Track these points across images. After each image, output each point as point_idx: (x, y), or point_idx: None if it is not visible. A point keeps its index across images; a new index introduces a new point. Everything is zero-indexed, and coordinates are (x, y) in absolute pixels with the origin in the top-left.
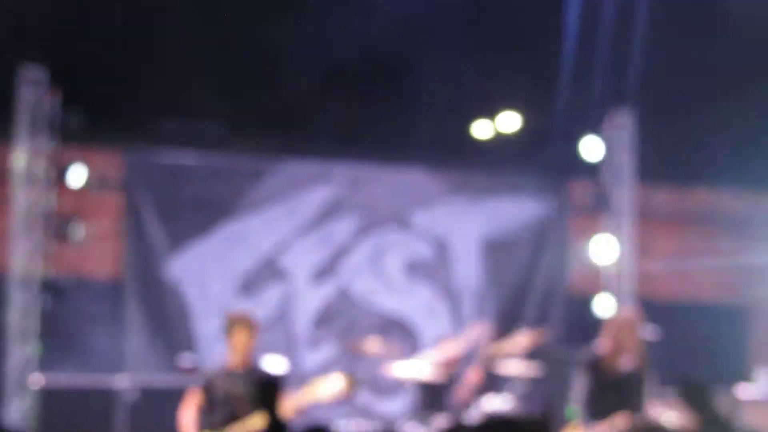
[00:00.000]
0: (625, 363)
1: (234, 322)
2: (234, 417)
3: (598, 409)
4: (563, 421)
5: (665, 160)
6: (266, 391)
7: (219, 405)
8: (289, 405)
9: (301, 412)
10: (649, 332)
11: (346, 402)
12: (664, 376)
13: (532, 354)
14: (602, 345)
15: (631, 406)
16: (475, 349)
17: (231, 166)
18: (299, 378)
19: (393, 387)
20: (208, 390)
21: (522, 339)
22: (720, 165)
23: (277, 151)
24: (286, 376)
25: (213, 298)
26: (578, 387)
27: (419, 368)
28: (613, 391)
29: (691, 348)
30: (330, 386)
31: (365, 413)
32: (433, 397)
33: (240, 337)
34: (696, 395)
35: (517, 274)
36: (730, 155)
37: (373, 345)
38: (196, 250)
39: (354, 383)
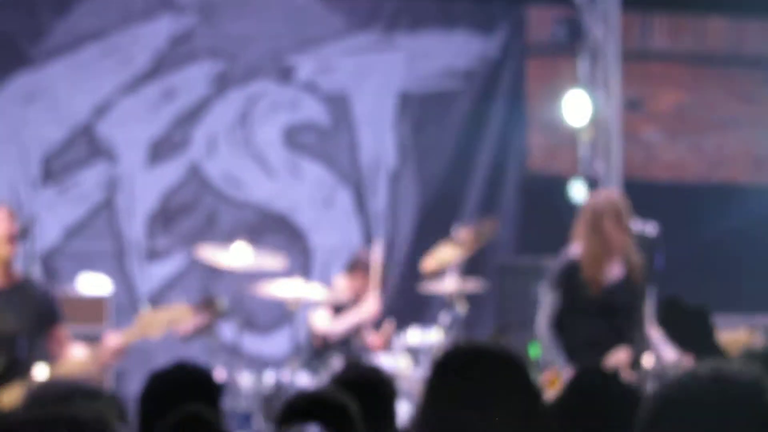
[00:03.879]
0: (612, 270)
1: None
2: None
3: (576, 341)
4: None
5: None
6: (43, 320)
7: None
8: (98, 353)
9: (115, 357)
10: (647, 226)
11: (206, 336)
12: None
13: (474, 264)
14: (577, 246)
15: (624, 334)
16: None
17: None
18: (132, 304)
19: (273, 317)
20: None
21: (459, 242)
22: None
23: None
24: (109, 299)
25: (1, 185)
26: (545, 310)
27: (311, 288)
28: (596, 313)
29: (707, 253)
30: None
31: (233, 353)
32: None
33: None
34: (689, 322)
35: (451, 145)
36: None
37: (241, 253)
38: None
39: (218, 309)
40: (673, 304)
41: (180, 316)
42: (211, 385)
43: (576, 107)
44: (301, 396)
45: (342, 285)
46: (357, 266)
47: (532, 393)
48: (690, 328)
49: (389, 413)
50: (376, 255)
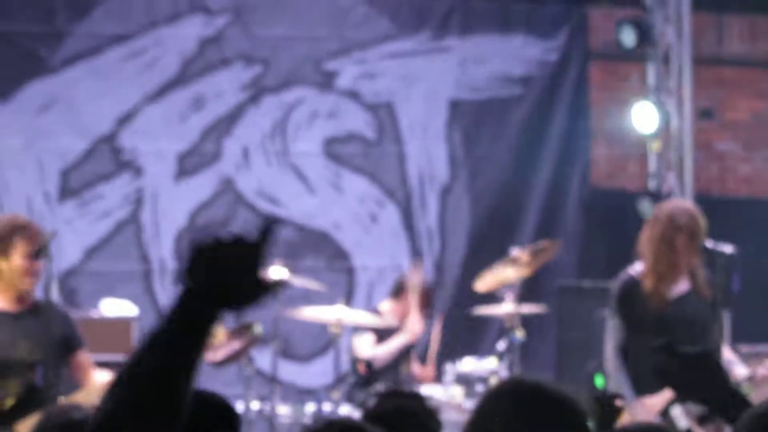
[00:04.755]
0: (677, 286)
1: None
2: (9, 392)
3: (641, 368)
4: (591, 395)
5: None
6: (64, 347)
7: None
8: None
9: None
10: (722, 245)
11: (240, 363)
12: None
13: (533, 287)
14: (641, 262)
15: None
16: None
17: None
18: None
19: (312, 343)
20: None
21: (516, 263)
22: None
23: None
24: (134, 323)
25: (17, 202)
26: (612, 338)
27: (354, 314)
28: (661, 331)
29: None
30: None
31: (269, 383)
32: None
33: (12, 259)
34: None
35: (507, 156)
36: None
37: (278, 273)
38: None
39: (253, 335)
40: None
41: (213, 337)
42: (230, 413)
43: (645, 117)
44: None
45: (388, 310)
46: (403, 290)
47: None
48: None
49: None
50: (416, 275)
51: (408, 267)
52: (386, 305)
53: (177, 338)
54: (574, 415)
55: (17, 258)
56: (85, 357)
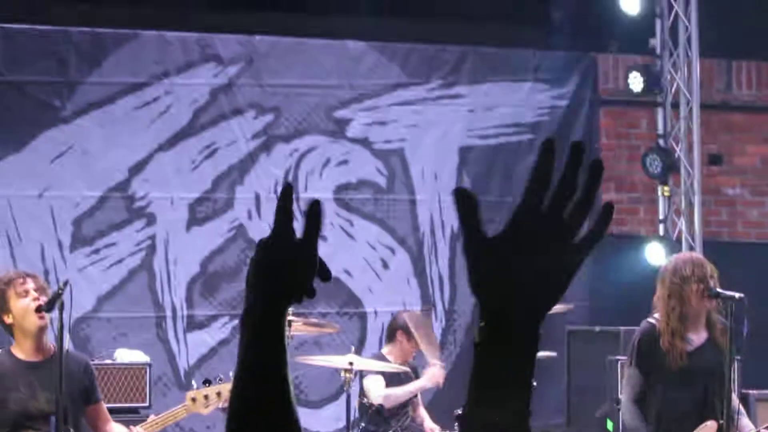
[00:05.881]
0: (696, 338)
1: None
2: None
3: (661, 417)
4: None
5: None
6: (81, 398)
7: (6, 419)
8: None
9: None
10: (732, 291)
11: None
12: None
13: (543, 332)
14: (657, 314)
15: (711, 403)
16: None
17: (61, 41)
18: (174, 376)
19: (325, 389)
20: None
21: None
22: None
23: (129, 21)
24: (147, 371)
25: (30, 250)
26: (628, 388)
27: (363, 362)
28: (680, 383)
29: None
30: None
31: None
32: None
33: (12, 308)
34: None
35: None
36: None
37: (290, 320)
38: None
39: None
40: None
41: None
42: None
43: (654, 163)
44: None
45: (387, 354)
46: (395, 331)
47: None
48: None
49: None
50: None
51: (401, 310)
52: (386, 350)
53: (258, 341)
54: None
55: (15, 304)
56: (102, 409)
